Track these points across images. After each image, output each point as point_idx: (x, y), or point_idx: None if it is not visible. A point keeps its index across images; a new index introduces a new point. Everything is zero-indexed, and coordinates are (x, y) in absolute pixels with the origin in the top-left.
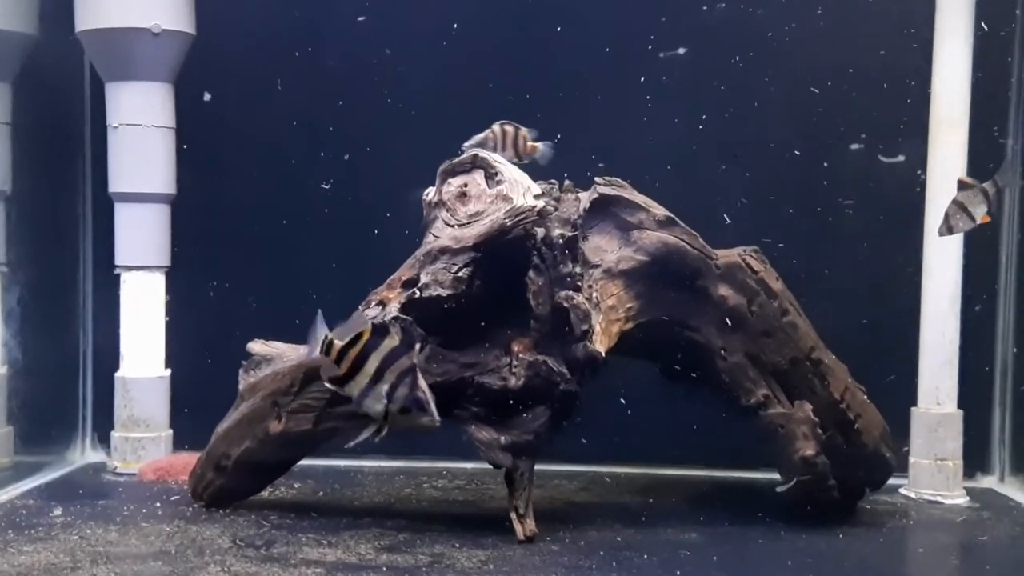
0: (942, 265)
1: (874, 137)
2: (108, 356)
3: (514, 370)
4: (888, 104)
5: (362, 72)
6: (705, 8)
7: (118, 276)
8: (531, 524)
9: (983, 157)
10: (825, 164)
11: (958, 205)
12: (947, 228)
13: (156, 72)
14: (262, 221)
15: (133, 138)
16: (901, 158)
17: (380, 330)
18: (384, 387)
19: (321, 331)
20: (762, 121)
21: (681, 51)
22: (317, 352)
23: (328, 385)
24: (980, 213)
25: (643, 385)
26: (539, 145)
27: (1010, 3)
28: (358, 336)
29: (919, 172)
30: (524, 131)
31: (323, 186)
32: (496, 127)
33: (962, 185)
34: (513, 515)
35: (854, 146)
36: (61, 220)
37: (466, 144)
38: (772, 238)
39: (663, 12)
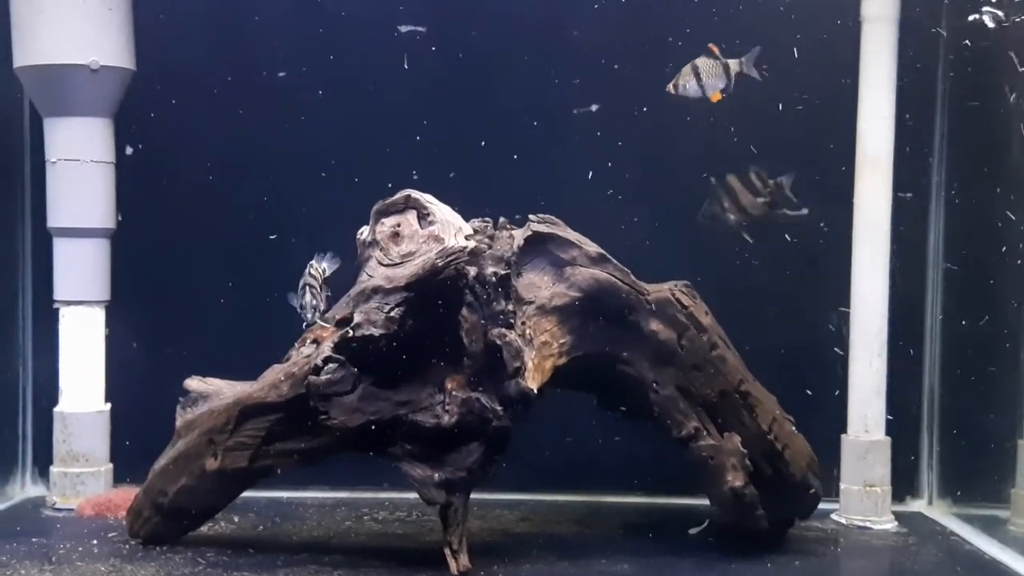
0: (870, 296)
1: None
2: (47, 390)
3: (447, 407)
4: (811, 153)
5: (304, 110)
6: (617, 67)
7: (57, 310)
8: (465, 560)
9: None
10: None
11: (693, 69)
12: (674, 87)
13: (94, 108)
14: (202, 256)
15: (71, 173)
16: (805, 211)
17: None
18: None
19: None
20: (686, 166)
21: (594, 108)
22: None
23: None
24: (713, 87)
25: (583, 413)
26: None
27: (933, 44)
28: None
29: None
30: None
31: (267, 228)
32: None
33: (708, 53)
34: (447, 551)
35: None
36: None
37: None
38: (703, 273)
39: (577, 71)
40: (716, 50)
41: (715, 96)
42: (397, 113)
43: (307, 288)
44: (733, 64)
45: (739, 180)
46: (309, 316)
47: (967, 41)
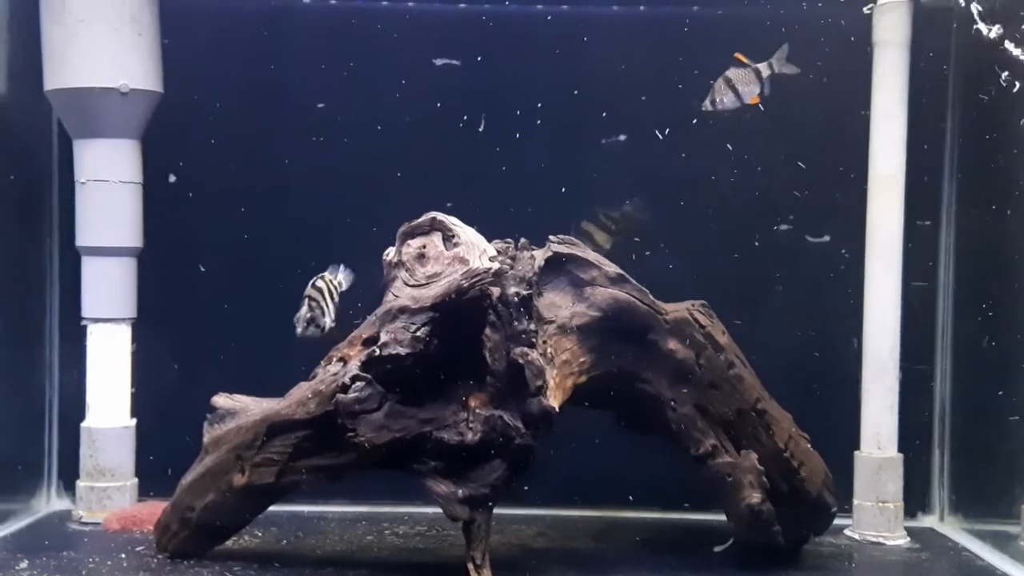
0: (882, 314)
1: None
2: (74, 406)
3: (471, 425)
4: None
5: (329, 129)
6: (644, 98)
7: (85, 328)
8: (488, 575)
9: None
10: (758, 238)
11: (726, 81)
12: (711, 103)
13: (123, 129)
14: (228, 274)
15: (100, 193)
16: (826, 238)
17: None
18: None
19: None
20: (703, 189)
21: (622, 138)
22: None
23: None
24: (750, 93)
25: (600, 430)
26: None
27: (943, 61)
28: None
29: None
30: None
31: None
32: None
33: (737, 63)
34: (470, 566)
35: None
36: (29, 273)
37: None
38: (719, 293)
39: (605, 101)
40: (743, 58)
41: (754, 100)
42: (425, 138)
43: (306, 300)
44: (763, 67)
45: (592, 224)
46: (299, 330)
47: (977, 65)
